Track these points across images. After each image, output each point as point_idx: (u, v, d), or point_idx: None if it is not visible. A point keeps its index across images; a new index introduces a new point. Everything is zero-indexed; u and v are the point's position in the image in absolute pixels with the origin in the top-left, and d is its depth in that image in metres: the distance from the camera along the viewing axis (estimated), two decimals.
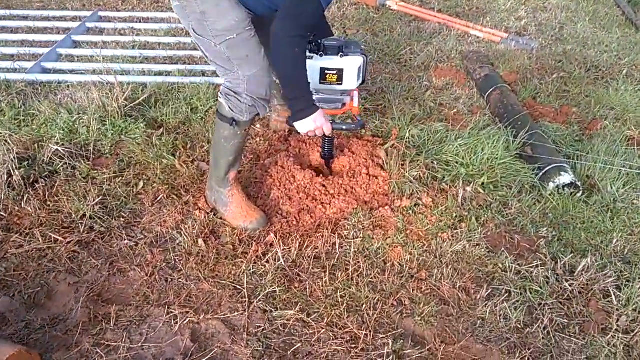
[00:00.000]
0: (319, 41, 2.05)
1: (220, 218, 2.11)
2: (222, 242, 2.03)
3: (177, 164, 2.40)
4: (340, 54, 2.03)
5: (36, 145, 2.42)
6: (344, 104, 2.18)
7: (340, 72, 2.04)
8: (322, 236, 2.06)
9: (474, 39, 4.10)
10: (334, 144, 2.39)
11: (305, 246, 2.02)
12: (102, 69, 3.24)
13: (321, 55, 2.02)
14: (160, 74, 3.22)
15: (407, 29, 4.20)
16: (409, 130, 2.68)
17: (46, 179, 2.24)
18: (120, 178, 2.29)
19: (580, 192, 2.35)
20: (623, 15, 4.79)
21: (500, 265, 1.98)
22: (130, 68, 3.26)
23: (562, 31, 4.33)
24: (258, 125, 2.76)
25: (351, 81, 2.07)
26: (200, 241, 1.99)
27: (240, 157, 2.09)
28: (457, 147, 2.56)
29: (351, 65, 2.04)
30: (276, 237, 2.05)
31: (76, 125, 2.59)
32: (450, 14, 4.56)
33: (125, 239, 2.01)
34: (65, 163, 2.32)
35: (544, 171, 2.41)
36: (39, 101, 2.75)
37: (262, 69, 1.89)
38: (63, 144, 2.44)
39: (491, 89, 3.10)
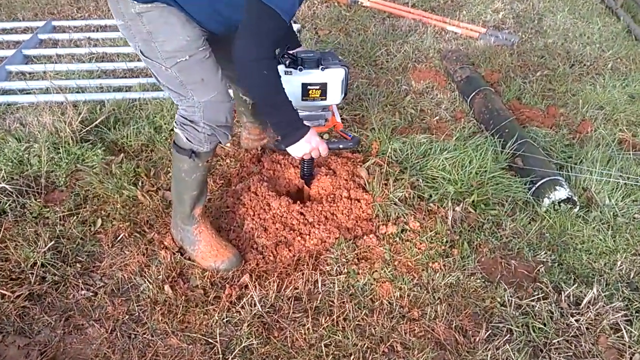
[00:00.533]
0: (294, 54, 1.83)
1: (188, 258, 1.89)
2: (191, 286, 1.81)
3: (139, 194, 2.16)
4: (321, 66, 1.82)
5: None
6: (326, 120, 1.99)
7: (323, 87, 1.84)
8: (303, 274, 1.86)
9: (451, 35, 3.92)
10: (314, 162, 2.18)
11: (284, 286, 1.82)
12: (56, 87, 2.96)
13: (300, 70, 1.80)
14: (119, 89, 2.95)
15: (381, 27, 3.99)
16: (391, 144, 2.48)
17: None
18: (76, 216, 2.04)
19: (578, 208, 2.20)
20: (602, 3, 4.66)
21: (499, 299, 1.81)
22: (87, 84, 2.98)
23: (542, 23, 4.18)
24: (228, 145, 2.52)
25: (335, 95, 1.88)
26: (167, 287, 1.77)
27: (205, 190, 1.87)
28: (442, 161, 2.37)
29: (334, 79, 1.84)
30: (251, 277, 1.84)
31: (26, 155, 2.32)
32: (424, 9, 4.36)
33: (82, 289, 1.77)
34: (14, 201, 2.06)
35: (537, 185, 2.24)
36: None
37: (219, 93, 1.66)
38: (12, 178, 2.18)
39: (474, 92, 2.92)
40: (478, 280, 1.88)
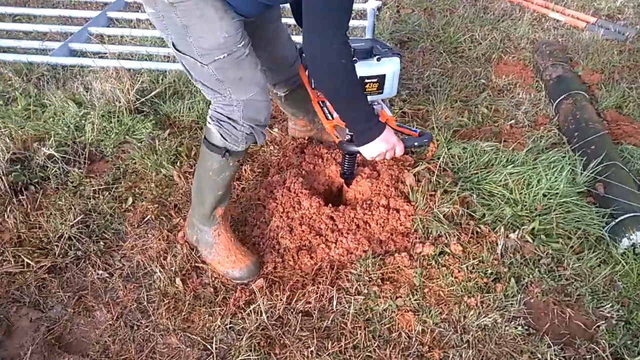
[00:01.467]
0: None
1: (203, 261, 1.75)
2: (202, 283, 1.69)
3: (175, 175, 2.07)
4: (376, 57, 1.58)
5: (37, 143, 2.19)
6: (378, 114, 1.73)
7: (381, 79, 1.61)
8: (319, 287, 1.67)
9: (552, 23, 3.36)
10: (356, 160, 1.94)
11: (296, 298, 1.64)
12: (127, 52, 2.95)
13: (356, 62, 1.55)
14: None
15: (471, 9, 3.52)
16: (448, 149, 2.16)
17: (36, 185, 2.01)
18: (110, 191, 2.00)
19: None
20: None
21: (540, 356, 1.49)
22: (156, 52, 2.94)
23: None
24: (275, 129, 2.35)
25: (392, 88, 1.65)
26: (178, 280, 1.67)
27: (230, 191, 1.71)
28: (505, 175, 2.01)
29: (392, 70, 1.61)
30: (265, 282, 1.68)
31: (83, 121, 2.33)
32: None
33: (100, 268, 1.73)
34: (59, 168, 2.07)
35: (617, 220, 1.82)
36: (52, 91, 2.50)
37: (259, 92, 1.48)
38: (66, 144, 2.19)
39: (562, 96, 2.46)
40: (520, 327, 1.56)
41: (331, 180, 2.09)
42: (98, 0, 3.64)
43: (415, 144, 1.65)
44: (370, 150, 1.49)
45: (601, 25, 3.23)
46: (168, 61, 2.86)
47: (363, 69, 1.56)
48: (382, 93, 1.64)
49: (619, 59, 2.93)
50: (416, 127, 1.97)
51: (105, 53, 2.92)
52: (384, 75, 1.59)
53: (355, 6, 3.51)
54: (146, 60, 2.88)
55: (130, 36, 3.16)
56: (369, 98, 1.63)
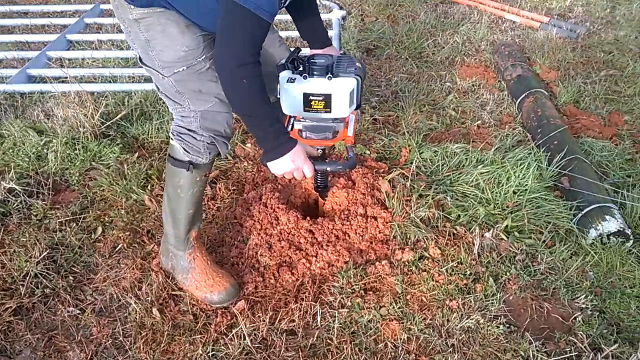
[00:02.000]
0: (307, 58, 1.55)
1: (180, 288, 1.67)
2: (181, 310, 1.62)
3: (146, 199, 1.99)
4: (329, 75, 1.52)
5: None
6: (336, 132, 1.68)
7: (327, 98, 1.52)
8: (302, 304, 1.62)
9: (508, 24, 3.43)
10: (327, 174, 1.91)
11: (279, 317, 1.59)
12: (89, 75, 2.85)
13: (305, 78, 1.51)
14: (149, 79, 2.79)
15: (432, 14, 3.56)
16: (420, 153, 2.15)
17: None
18: (77, 222, 1.90)
19: (631, 242, 1.79)
20: None
21: (523, 353, 1.48)
22: (120, 73, 2.84)
23: (615, 12, 3.57)
24: (249, 144, 2.30)
25: (342, 108, 1.55)
26: (155, 310, 1.59)
27: (201, 211, 1.65)
28: (476, 176, 2.02)
29: (341, 90, 1.51)
30: (246, 303, 1.62)
31: (45, 150, 2.22)
32: None
33: (70, 305, 1.63)
34: (22, 202, 1.96)
35: (583, 212, 1.84)
36: (11, 121, 2.37)
37: (217, 103, 1.46)
38: (26, 176, 2.08)
39: (524, 95, 2.50)
40: (501, 326, 1.55)
41: (308, 192, 2.05)
42: (56, 22, 3.51)
43: (328, 168, 1.61)
44: (275, 168, 1.43)
45: (554, 25, 3.31)
46: (133, 82, 2.77)
47: (310, 85, 1.50)
48: (330, 112, 1.55)
49: (572, 55, 3.01)
50: (354, 152, 1.84)
51: (66, 77, 2.80)
52: (330, 95, 1.51)
53: (321, 16, 3.50)
54: (110, 82, 2.78)
55: (92, 58, 3.05)
56: (318, 115, 1.56)
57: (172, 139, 1.50)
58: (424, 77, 2.87)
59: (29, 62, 2.92)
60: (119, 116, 2.40)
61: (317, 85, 1.50)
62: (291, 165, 1.41)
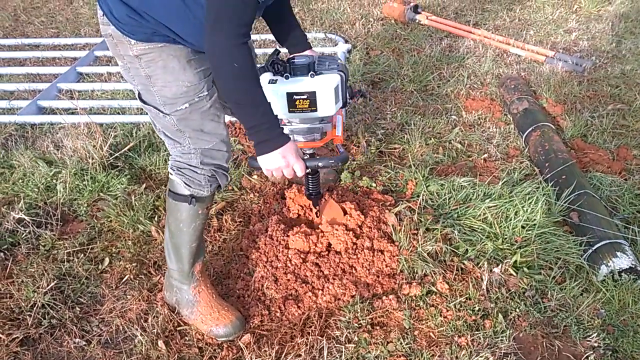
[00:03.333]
0: (287, 59, 1.59)
1: (185, 323, 1.70)
2: (187, 344, 1.65)
3: (153, 230, 2.04)
4: (311, 73, 1.54)
5: (6, 207, 2.13)
6: (324, 133, 1.70)
7: (312, 96, 1.54)
8: (308, 338, 1.64)
9: (513, 58, 3.52)
10: (319, 178, 1.93)
11: (285, 352, 1.61)
12: (98, 107, 2.96)
13: (287, 77, 1.55)
14: None
15: (437, 48, 3.67)
16: (427, 186, 2.20)
17: (5, 252, 1.94)
18: (85, 253, 1.95)
19: None
20: None
21: None
22: (128, 105, 2.95)
23: (621, 46, 3.66)
24: (255, 176, 2.37)
25: (328, 106, 1.57)
26: (161, 343, 1.62)
27: (204, 244, 1.69)
28: (484, 210, 2.06)
29: (325, 87, 1.53)
30: (252, 337, 1.65)
31: (54, 181, 2.29)
32: (487, 28, 3.98)
33: (77, 336, 1.66)
34: (30, 232, 2.02)
35: (594, 248, 1.87)
36: (21, 152, 2.46)
37: (218, 143, 1.51)
38: (35, 206, 2.14)
39: (530, 128, 2.56)
40: None
41: (312, 219, 2.09)
42: (67, 55, 3.66)
43: (319, 164, 1.57)
44: (266, 162, 1.40)
45: (559, 59, 3.41)
46: (141, 113, 2.87)
47: (293, 85, 1.52)
48: (316, 111, 1.56)
49: (579, 89, 3.09)
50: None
51: (76, 109, 2.91)
52: (315, 92, 1.52)
53: (327, 50, 3.63)
54: (119, 113, 2.88)
55: (102, 90, 3.17)
56: (304, 115, 1.56)
57: (171, 173, 1.55)
58: (429, 109, 2.95)
59: (40, 94, 3.04)
60: (127, 147, 2.49)
61: (300, 84, 1.52)
62: (282, 161, 1.39)
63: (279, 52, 1.60)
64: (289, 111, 1.56)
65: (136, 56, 1.38)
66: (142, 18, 1.32)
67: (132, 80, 1.45)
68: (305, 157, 1.61)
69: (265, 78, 1.54)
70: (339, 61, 1.60)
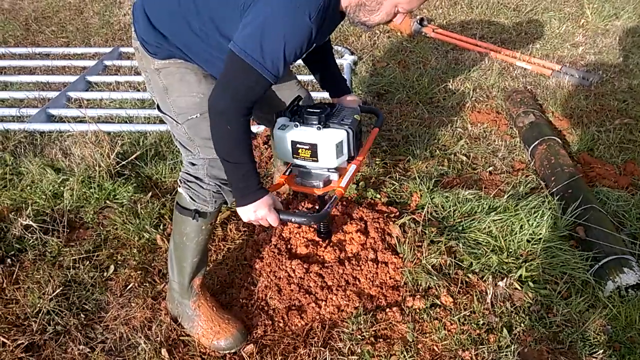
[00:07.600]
0: (302, 107, 1.63)
1: (187, 335, 1.71)
2: (190, 353, 1.65)
3: (158, 238, 2.06)
4: (318, 125, 1.58)
5: (14, 213, 2.16)
6: (328, 182, 1.72)
7: (314, 148, 1.58)
8: (311, 350, 1.65)
9: (520, 71, 3.55)
10: (330, 220, 1.95)
11: None
12: (106, 116, 2.99)
13: (297, 126, 1.60)
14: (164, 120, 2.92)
15: (443, 60, 3.70)
16: (432, 198, 2.21)
17: (12, 258, 1.97)
18: (90, 260, 1.97)
19: None
20: None
21: None
22: (136, 113, 2.98)
23: (628, 60, 3.68)
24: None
25: (329, 158, 1.60)
26: (164, 351, 1.63)
27: (206, 259, 1.71)
28: (489, 223, 2.06)
29: (327, 141, 1.56)
30: (255, 347, 1.65)
31: (61, 188, 2.32)
32: (494, 41, 4.01)
33: (81, 343, 1.68)
34: (37, 239, 2.04)
35: (600, 263, 1.87)
36: (30, 159, 2.49)
37: None
38: (42, 213, 2.17)
39: (536, 142, 2.57)
40: None
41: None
42: (76, 64, 3.71)
43: (293, 219, 1.58)
44: (242, 213, 1.49)
45: (566, 72, 3.42)
46: (148, 123, 2.90)
47: (298, 134, 1.57)
48: (317, 161, 1.61)
49: (585, 103, 3.10)
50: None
51: (84, 117, 2.95)
52: (316, 145, 1.57)
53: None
54: (126, 122, 2.92)
55: (110, 99, 3.21)
56: (306, 163, 1.62)
57: (179, 186, 1.59)
58: (434, 122, 2.96)
59: (49, 102, 3.08)
60: (134, 156, 2.51)
61: (305, 134, 1.57)
62: (253, 215, 1.48)
63: (301, 98, 1.65)
64: (293, 157, 1.61)
65: (156, 69, 1.49)
66: (169, 45, 1.44)
67: (152, 91, 1.55)
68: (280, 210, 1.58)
69: (279, 122, 1.60)
70: (355, 116, 1.63)
